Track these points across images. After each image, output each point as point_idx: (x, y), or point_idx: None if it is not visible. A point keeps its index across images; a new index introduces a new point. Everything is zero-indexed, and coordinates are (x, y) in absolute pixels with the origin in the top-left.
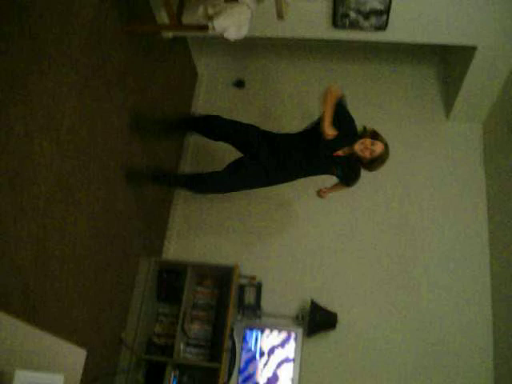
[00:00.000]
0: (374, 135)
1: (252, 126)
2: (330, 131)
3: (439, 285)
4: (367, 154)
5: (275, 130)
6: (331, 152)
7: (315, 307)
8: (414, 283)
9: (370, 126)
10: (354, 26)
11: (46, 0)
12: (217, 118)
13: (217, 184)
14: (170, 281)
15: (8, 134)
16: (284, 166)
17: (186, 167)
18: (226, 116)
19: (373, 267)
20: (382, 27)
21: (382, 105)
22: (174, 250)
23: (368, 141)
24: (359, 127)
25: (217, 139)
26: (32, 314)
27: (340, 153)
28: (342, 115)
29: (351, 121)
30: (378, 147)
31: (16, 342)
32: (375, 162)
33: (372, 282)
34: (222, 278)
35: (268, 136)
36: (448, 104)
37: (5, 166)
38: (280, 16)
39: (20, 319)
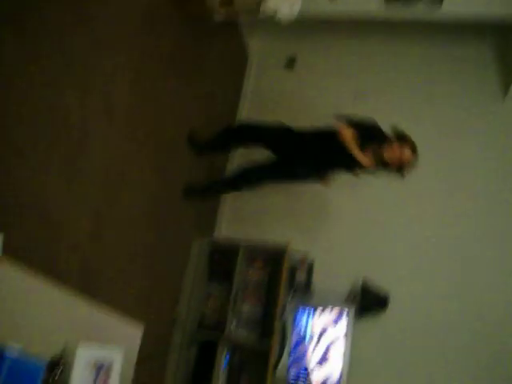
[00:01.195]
0: (402, 138)
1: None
2: (367, 162)
3: (498, 264)
4: (396, 161)
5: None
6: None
7: (367, 286)
8: (472, 264)
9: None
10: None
11: None
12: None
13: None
14: (222, 261)
15: (65, 117)
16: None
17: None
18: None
19: (428, 248)
20: (438, 1)
21: (435, 84)
22: (226, 230)
23: (396, 146)
24: (390, 126)
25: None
26: (90, 291)
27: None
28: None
29: (373, 129)
30: (407, 153)
31: (77, 318)
32: (404, 168)
33: (427, 262)
34: (273, 257)
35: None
36: (506, 84)
37: (62, 148)
38: None
39: (80, 295)
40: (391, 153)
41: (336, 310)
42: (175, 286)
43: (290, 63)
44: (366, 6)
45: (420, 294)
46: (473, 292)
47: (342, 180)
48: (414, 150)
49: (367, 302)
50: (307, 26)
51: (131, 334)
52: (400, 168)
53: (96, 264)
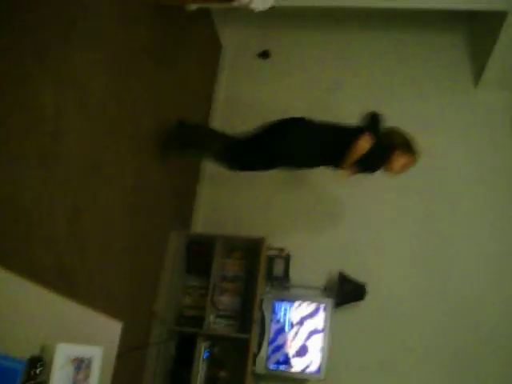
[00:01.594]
0: (408, 148)
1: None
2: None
3: (475, 257)
4: (401, 171)
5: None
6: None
7: (343, 278)
8: (447, 254)
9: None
10: None
11: None
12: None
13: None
14: (200, 253)
15: (39, 111)
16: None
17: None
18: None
19: (403, 238)
20: None
21: (408, 74)
22: (203, 222)
23: (401, 158)
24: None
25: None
26: (67, 288)
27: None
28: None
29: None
30: (411, 162)
31: (56, 316)
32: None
33: (402, 253)
34: (250, 250)
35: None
36: (477, 72)
37: (36, 142)
38: None
39: (57, 293)
40: (398, 165)
41: (314, 302)
42: (153, 279)
43: (264, 54)
44: None
45: (396, 283)
46: (449, 281)
47: (319, 174)
48: (415, 158)
49: (344, 293)
50: (281, 16)
51: (110, 329)
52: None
53: (72, 260)
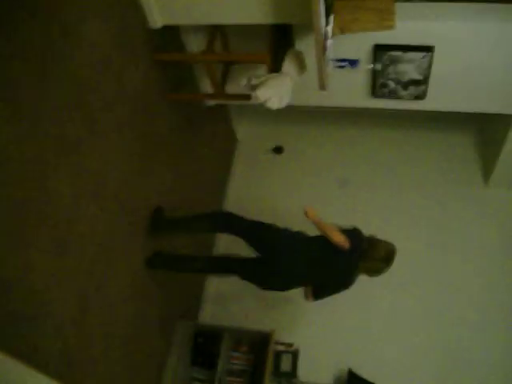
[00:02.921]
0: (389, 260)
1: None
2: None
3: (483, 362)
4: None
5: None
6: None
7: (353, 376)
8: (458, 359)
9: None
10: (393, 95)
11: (98, 71)
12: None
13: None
14: (206, 345)
15: (57, 199)
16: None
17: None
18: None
19: (414, 340)
20: (421, 96)
21: (419, 172)
22: (211, 314)
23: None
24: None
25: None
26: (70, 376)
27: None
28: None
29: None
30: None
31: None
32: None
33: (413, 356)
34: (258, 343)
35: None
36: (487, 171)
37: (53, 229)
38: (322, 87)
39: (59, 381)
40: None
41: None
42: (158, 370)
43: (278, 149)
44: (353, 99)
45: (408, 381)
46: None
47: None
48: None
49: None
50: (295, 114)
51: None
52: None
53: (77, 348)
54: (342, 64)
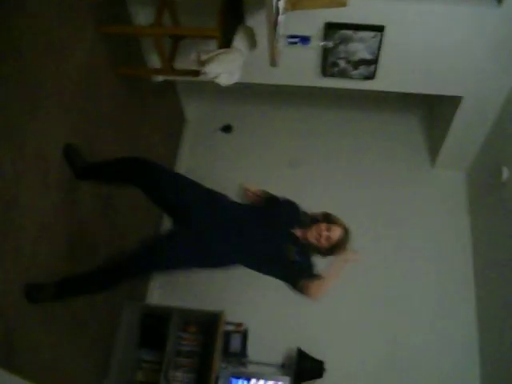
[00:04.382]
0: (328, 219)
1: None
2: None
3: (427, 339)
4: (324, 242)
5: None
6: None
7: (302, 355)
8: (401, 333)
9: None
10: (343, 74)
11: (40, 43)
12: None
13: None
14: (154, 327)
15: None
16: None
17: None
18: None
19: (361, 316)
20: (371, 76)
21: (367, 152)
22: (159, 295)
23: (323, 226)
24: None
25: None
26: (12, 362)
27: (298, 233)
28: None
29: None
30: (336, 232)
31: None
32: (335, 249)
33: (360, 331)
34: (207, 324)
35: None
36: (433, 152)
37: None
38: (273, 63)
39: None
40: (316, 233)
41: (272, 380)
42: (105, 352)
43: (227, 128)
44: (303, 78)
45: (354, 362)
46: (406, 353)
47: None
48: (344, 229)
49: (303, 371)
50: (245, 93)
51: None
52: (330, 249)
53: (18, 335)
54: (294, 40)
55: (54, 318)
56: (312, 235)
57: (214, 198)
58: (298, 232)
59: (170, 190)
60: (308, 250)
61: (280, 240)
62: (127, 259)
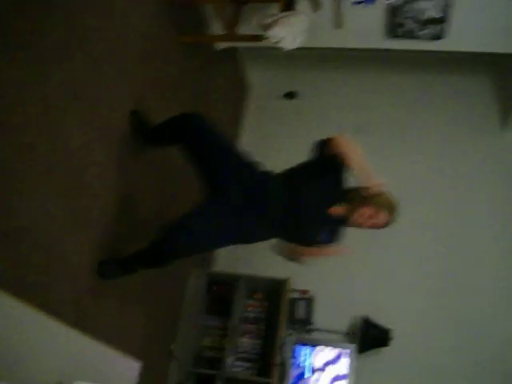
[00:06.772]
0: (375, 201)
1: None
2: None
3: (501, 308)
4: (367, 226)
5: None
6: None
7: (368, 323)
8: (472, 303)
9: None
10: (410, 35)
11: (102, 12)
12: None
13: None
14: (221, 293)
15: (66, 144)
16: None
17: None
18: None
19: (429, 285)
20: (439, 36)
21: (436, 118)
22: (225, 262)
23: (370, 210)
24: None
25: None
26: (86, 325)
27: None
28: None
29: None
30: (383, 217)
31: (73, 353)
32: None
33: (428, 300)
34: (273, 291)
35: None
36: (504, 115)
37: (61, 174)
38: (338, 25)
39: (75, 330)
40: (362, 219)
41: (337, 347)
42: (173, 318)
43: (290, 94)
44: (368, 40)
45: (423, 331)
46: (475, 326)
47: None
48: (392, 213)
49: (369, 338)
50: (308, 58)
51: (129, 369)
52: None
53: (92, 298)
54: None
55: (124, 285)
56: (356, 218)
57: (258, 179)
58: (338, 209)
59: (215, 153)
60: (341, 227)
61: (315, 230)
62: (161, 241)
